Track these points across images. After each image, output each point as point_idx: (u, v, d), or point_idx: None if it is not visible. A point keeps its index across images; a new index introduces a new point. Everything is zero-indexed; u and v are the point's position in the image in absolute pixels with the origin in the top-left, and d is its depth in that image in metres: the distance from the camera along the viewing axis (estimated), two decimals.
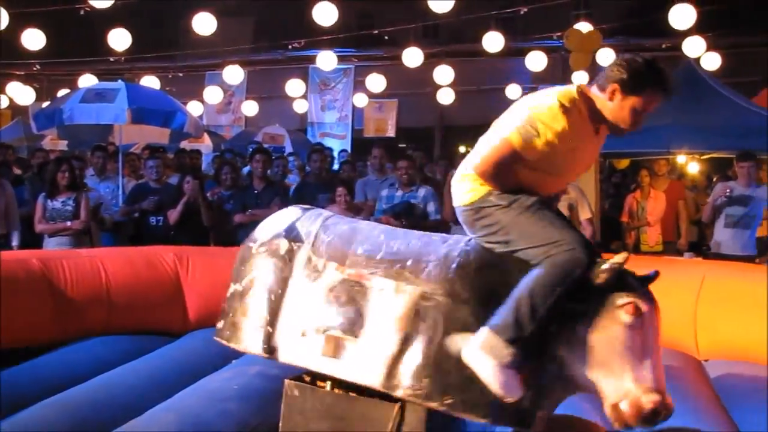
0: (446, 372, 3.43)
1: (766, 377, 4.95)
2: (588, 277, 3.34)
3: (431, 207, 7.90)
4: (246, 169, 10.78)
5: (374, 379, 3.53)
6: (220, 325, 3.95)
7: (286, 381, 3.80)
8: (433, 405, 3.46)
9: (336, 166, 13.42)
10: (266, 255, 3.86)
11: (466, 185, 3.60)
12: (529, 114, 3.44)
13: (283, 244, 3.84)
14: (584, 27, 13.81)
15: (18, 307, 5.28)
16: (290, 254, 3.81)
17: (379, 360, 3.53)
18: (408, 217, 7.49)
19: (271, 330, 3.75)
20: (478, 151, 3.54)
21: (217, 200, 8.78)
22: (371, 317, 3.60)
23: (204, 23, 12.51)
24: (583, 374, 3.37)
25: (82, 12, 13.74)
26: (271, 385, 4.68)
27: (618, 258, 3.34)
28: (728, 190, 8.36)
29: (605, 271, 3.33)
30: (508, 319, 3.32)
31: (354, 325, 3.61)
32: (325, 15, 12.15)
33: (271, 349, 3.75)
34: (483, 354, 3.32)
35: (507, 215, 3.47)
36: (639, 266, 3.80)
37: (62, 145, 14.12)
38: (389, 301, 3.58)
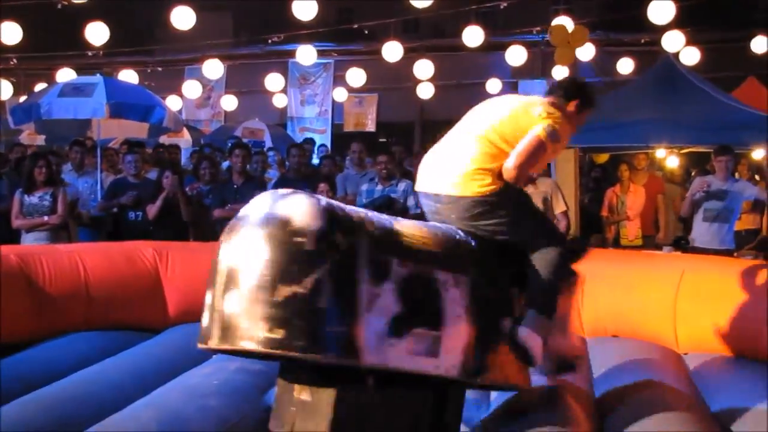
0: (503, 353, 3.87)
1: (744, 370, 4.99)
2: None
3: (411, 201, 7.91)
4: (225, 164, 10.74)
5: (456, 371, 3.66)
6: (276, 334, 3.27)
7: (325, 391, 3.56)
8: (499, 386, 4.05)
9: (315, 161, 13.40)
10: (329, 252, 3.37)
11: (485, 178, 3.92)
12: (550, 120, 4.02)
13: (343, 240, 3.41)
14: (564, 21, 13.84)
15: None
16: (352, 250, 3.43)
17: (459, 352, 3.66)
18: (388, 211, 7.47)
19: (352, 332, 3.38)
20: (514, 150, 3.97)
21: (196, 195, 8.74)
22: (446, 310, 3.64)
23: (183, 17, 12.45)
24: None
25: (59, 5, 13.65)
26: (252, 381, 4.68)
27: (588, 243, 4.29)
28: (707, 185, 8.37)
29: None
30: (549, 301, 3.97)
31: (435, 320, 3.61)
32: (305, 9, 12.12)
33: (356, 354, 3.38)
34: (536, 333, 3.88)
35: (520, 208, 4.04)
36: (619, 260, 3.92)
37: (40, 140, 14.01)
38: (454, 293, 3.67)
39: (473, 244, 3.89)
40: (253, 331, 3.29)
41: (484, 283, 3.80)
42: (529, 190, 6.86)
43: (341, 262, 3.39)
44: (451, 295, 3.66)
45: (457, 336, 3.65)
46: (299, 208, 3.42)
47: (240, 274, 3.36)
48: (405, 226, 3.74)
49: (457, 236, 3.89)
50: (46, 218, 7.77)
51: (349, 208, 3.67)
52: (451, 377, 3.67)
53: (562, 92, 4.31)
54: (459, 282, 3.69)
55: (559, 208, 7.62)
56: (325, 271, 3.33)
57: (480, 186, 3.90)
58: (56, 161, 8.93)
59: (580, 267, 4.20)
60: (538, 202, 6.93)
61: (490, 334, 3.80)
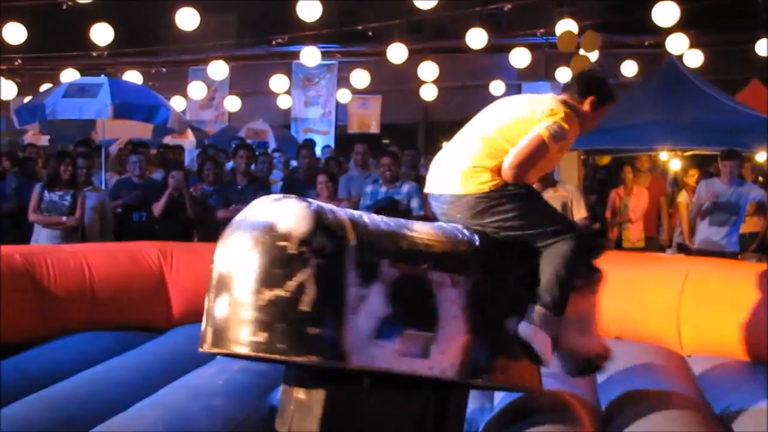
0: (510, 353, 3.77)
1: (748, 373, 4.99)
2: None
3: (415, 203, 7.90)
4: (229, 165, 10.76)
5: (453, 372, 3.62)
6: (259, 337, 3.36)
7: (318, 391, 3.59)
8: (504, 387, 4.00)
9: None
10: (312, 255, 3.40)
11: (483, 176, 3.85)
12: (554, 118, 3.89)
13: (328, 243, 3.43)
14: (567, 24, 13.86)
15: (0, 302, 5.25)
16: (337, 253, 3.44)
17: (456, 352, 3.61)
18: (391, 212, 7.45)
19: (338, 335, 3.40)
20: (513, 149, 3.87)
21: (200, 196, 8.76)
22: (440, 311, 3.60)
23: (187, 18, 12.47)
24: (562, 333, 3.92)
25: (64, 6, 13.67)
26: (257, 380, 4.68)
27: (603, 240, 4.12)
28: (715, 197, 8.30)
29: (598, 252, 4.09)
30: (557, 297, 3.82)
31: (427, 321, 3.58)
32: (309, 10, 12.13)
33: (340, 355, 3.40)
34: (541, 330, 3.78)
35: (525, 203, 3.88)
36: (623, 262, 3.92)
37: (44, 140, 14.05)
38: (450, 293, 3.63)
39: (477, 243, 3.81)
40: (240, 334, 3.40)
41: (487, 282, 3.75)
42: (548, 194, 6.91)
43: (326, 265, 3.42)
44: (447, 295, 3.62)
45: (453, 337, 3.62)
46: (285, 212, 3.48)
47: (229, 279, 3.46)
48: (403, 227, 3.72)
49: (460, 236, 3.82)
50: (64, 218, 7.77)
51: (343, 211, 3.66)
52: (448, 378, 3.63)
53: (577, 88, 4.17)
54: (456, 282, 3.65)
55: (579, 214, 7.25)
56: (308, 275, 3.38)
57: (479, 183, 3.85)
58: (87, 164, 8.84)
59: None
60: (556, 207, 6.87)
61: (495, 334, 3.74)
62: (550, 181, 7.12)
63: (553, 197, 6.93)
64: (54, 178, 7.89)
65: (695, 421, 4.00)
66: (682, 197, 10.04)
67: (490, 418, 4.28)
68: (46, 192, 7.84)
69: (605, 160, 13.08)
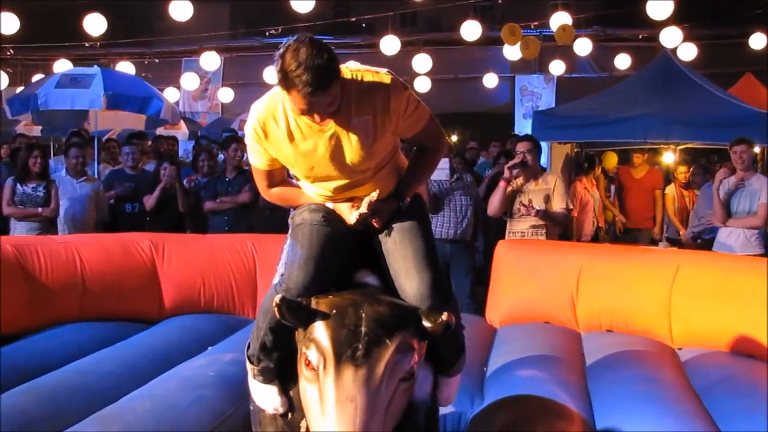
0: None
1: (738, 366, 5.00)
2: None
3: None
4: (221, 157, 10.75)
5: None
6: None
7: None
8: None
9: None
10: None
11: None
12: None
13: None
14: (562, 17, 13.85)
15: None
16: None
17: None
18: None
19: None
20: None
21: (194, 187, 8.75)
22: None
23: (181, 9, 12.41)
24: None
25: None
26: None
27: None
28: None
29: None
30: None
31: None
32: (303, 2, 12.09)
33: None
34: None
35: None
36: (614, 255, 3.85)
37: (36, 130, 14.01)
38: None
39: None
40: None
41: None
42: (531, 186, 6.88)
43: None
44: None
45: None
46: None
47: None
48: None
49: None
50: (40, 210, 7.74)
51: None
52: None
53: None
54: None
55: (557, 205, 6.93)
56: None
57: None
58: (81, 153, 8.78)
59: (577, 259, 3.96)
60: (539, 200, 6.87)
61: None
62: (532, 174, 7.03)
63: (535, 190, 6.94)
64: (25, 170, 7.87)
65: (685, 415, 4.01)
66: (670, 190, 10.05)
67: (477, 411, 4.29)
68: (18, 185, 7.81)
69: (613, 161, 12.40)
